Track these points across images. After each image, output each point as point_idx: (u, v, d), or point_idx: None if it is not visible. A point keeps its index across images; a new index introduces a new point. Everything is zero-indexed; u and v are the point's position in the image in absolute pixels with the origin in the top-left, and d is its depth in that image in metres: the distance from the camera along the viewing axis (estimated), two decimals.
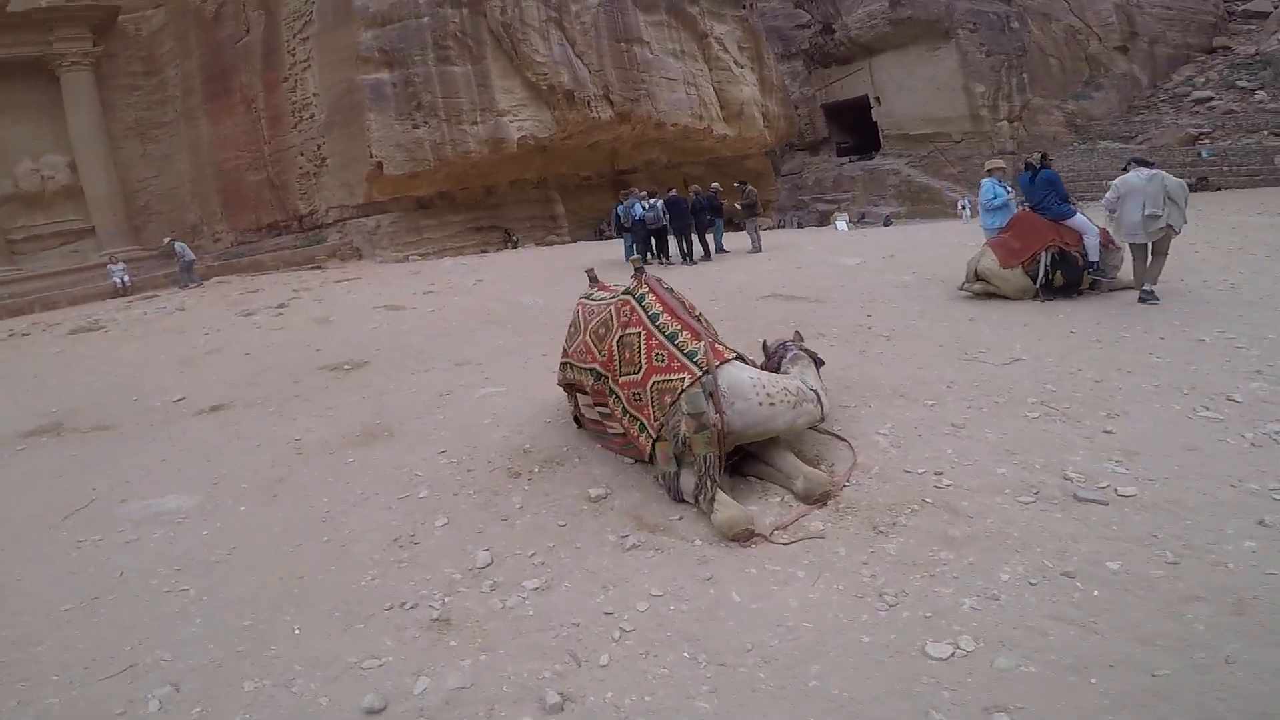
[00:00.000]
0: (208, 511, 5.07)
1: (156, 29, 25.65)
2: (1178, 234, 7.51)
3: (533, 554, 3.88)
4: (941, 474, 4.16)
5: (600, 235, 27.66)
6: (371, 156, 21.12)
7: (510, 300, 12.58)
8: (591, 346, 4.51)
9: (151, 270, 20.82)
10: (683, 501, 4.02)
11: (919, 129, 37.07)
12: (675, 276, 13.37)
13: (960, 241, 15.80)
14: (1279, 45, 41.13)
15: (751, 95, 30.43)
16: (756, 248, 16.24)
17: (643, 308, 4.37)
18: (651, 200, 15.05)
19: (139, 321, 14.66)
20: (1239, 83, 42.25)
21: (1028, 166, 8.65)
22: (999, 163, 9.81)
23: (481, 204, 25.28)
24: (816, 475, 3.99)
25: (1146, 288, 7.58)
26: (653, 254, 15.43)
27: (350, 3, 20.97)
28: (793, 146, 41.20)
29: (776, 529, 3.74)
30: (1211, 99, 41.99)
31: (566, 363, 4.94)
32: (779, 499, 4.07)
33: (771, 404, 3.97)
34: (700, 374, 3.92)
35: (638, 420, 4.17)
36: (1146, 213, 7.32)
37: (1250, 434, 4.35)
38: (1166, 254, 7.66)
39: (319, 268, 20.63)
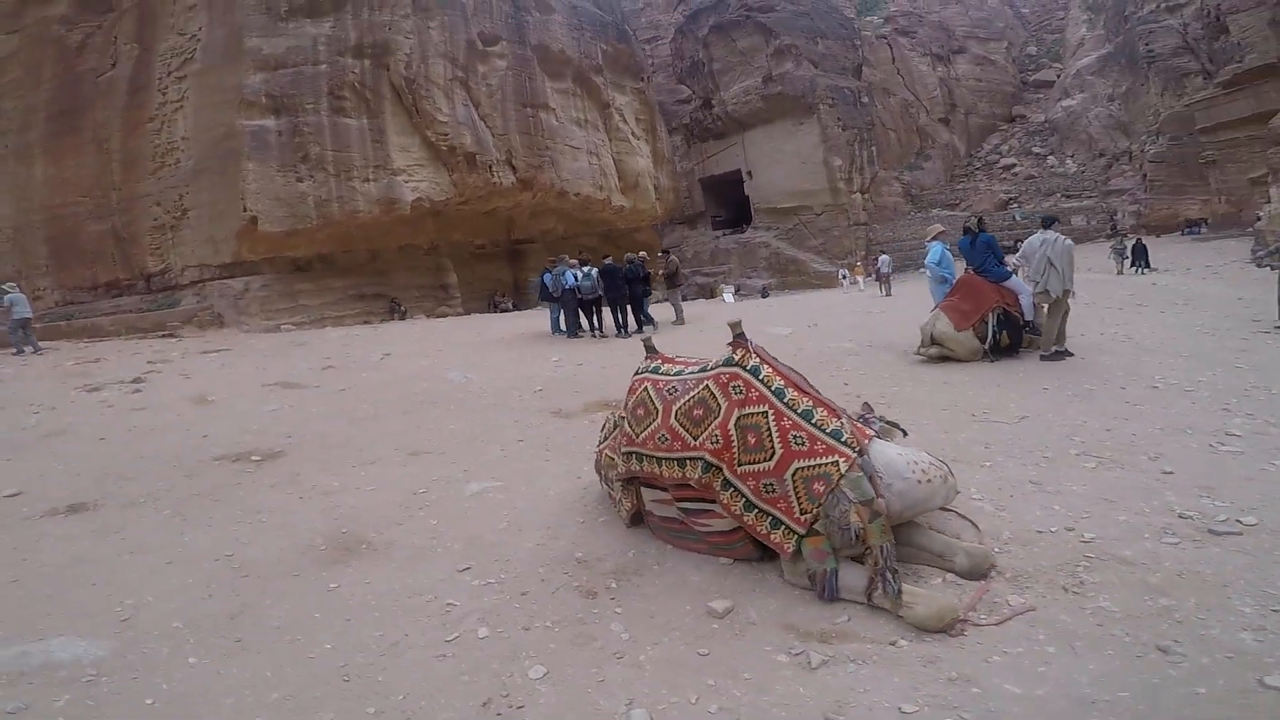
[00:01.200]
0: (131, 664, 3.34)
1: (4, 55, 21.94)
2: (1057, 298, 7.84)
3: (696, 699, 2.97)
4: (1073, 529, 4.02)
5: (494, 307, 26.33)
6: (245, 210, 18.77)
7: (437, 377, 10.98)
8: (683, 431, 3.70)
9: None
10: (837, 601, 3.49)
11: (785, 202, 39.40)
12: (614, 350, 12.47)
13: (864, 309, 16.56)
14: (1062, 112, 47.74)
15: (646, 167, 31.02)
16: (680, 319, 15.76)
17: (762, 382, 3.67)
18: (584, 268, 14.19)
19: None
20: (1034, 149, 49.27)
21: (966, 230, 8.96)
22: (940, 227, 10.17)
23: (366, 269, 23.24)
24: (978, 549, 3.67)
25: (1044, 351, 8.01)
26: (585, 326, 14.46)
27: (241, 43, 19.10)
28: (672, 220, 42.43)
29: (968, 610, 3.37)
30: (1015, 165, 48.70)
31: (634, 452, 3.99)
32: (937, 580, 3.65)
33: (929, 481, 3.59)
34: (855, 455, 3.47)
35: (768, 515, 3.54)
36: (1031, 278, 7.91)
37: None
38: (1060, 315, 7.99)
39: (172, 336, 17.64)
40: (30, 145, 21.41)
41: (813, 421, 3.54)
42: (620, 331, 14.20)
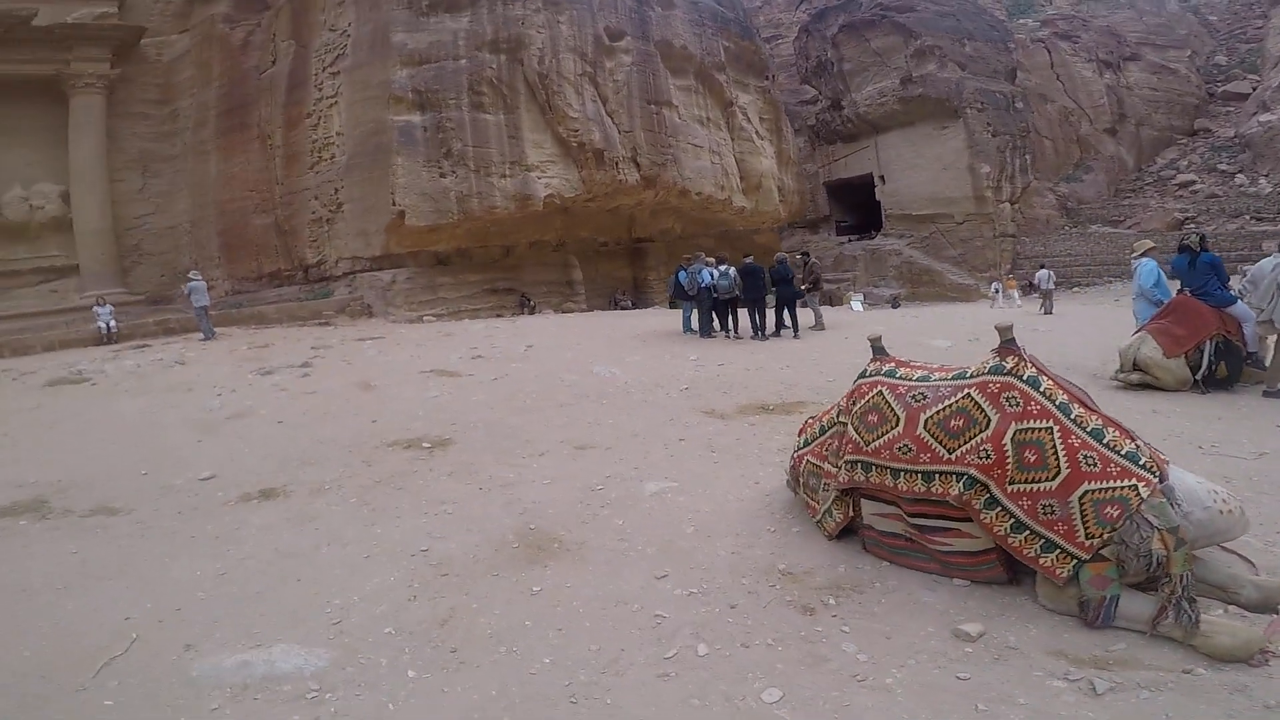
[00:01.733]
0: (352, 678, 3.30)
1: (178, 55, 23.93)
2: None
3: None
4: None
5: (615, 304, 26.47)
6: (394, 204, 19.71)
7: (582, 370, 11.00)
8: (934, 443, 3.45)
9: (138, 316, 18.70)
10: (1109, 629, 3.27)
11: (922, 209, 37.07)
12: (754, 353, 12.07)
13: (1026, 325, 15.16)
14: (1259, 128, 41.67)
15: (770, 168, 30.18)
16: (820, 324, 15.10)
17: (1043, 395, 3.37)
18: (722, 267, 13.84)
19: (132, 375, 12.64)
20: (1220, 166, 43.12)
21: (1184, 249, 8.11)
22: (1150, 243, 9.13)
23: (499, 265, 23.94)
24: (1270, 582, 3.38)
25: (1269, 388, 7.18)
26: (721, 326, 14.12)
27: (388, 38, 19.93)
28: (794, 224, 41.25)
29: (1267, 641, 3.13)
30: (1194, 182, 42.90)
31: (861, 461, 3.73)
32: (1218, 611, 3.37)
33: (1230, 512, 3.36)
34: (1156, 481, 3.24)
35: (1041, 538, 3.27)
36: (1256, 305, 7.21)
37: None
38: None
39: (326, 324, 18.83)
40: (204, 142, 23.34)
41: (1104, 442, 3.26)
42: (757, 334, 13.75)
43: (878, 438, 3.64)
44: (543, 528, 4.90)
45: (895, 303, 31.26)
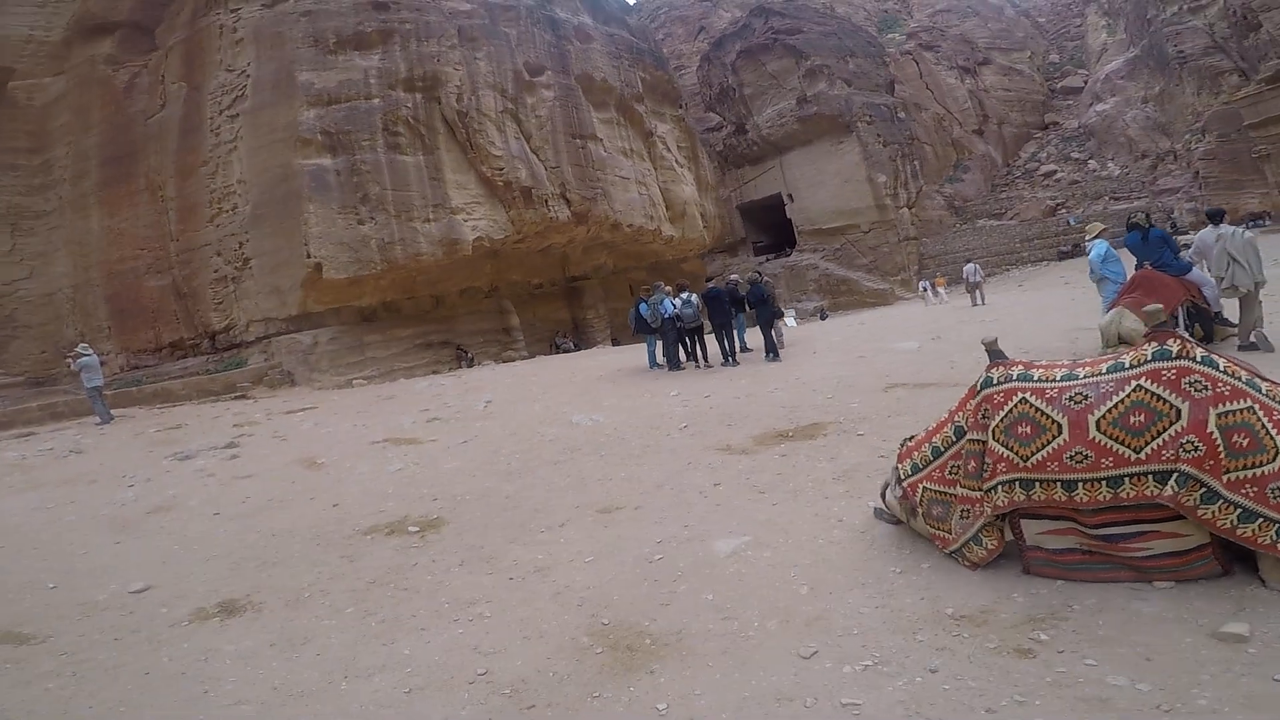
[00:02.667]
0: None
1: (52, 99, 21.21)
2: (1246, 291, 7.64)
3: None
4: None
5: (556, 348, 25.46)
6: (309, 256, 18.08)
7: (560, 420, 9.98)
8: (1115, 445, 3.05)
9: (19, 400, 16.13)
10: None
11: (830, 222, 38.38)
12: (735, 380, 11.42)
13: (970, 319, 15.70)
14: (1097, 117, 46.66)
15: (692, 195, 30.23)
16: (780, 344, 14.65)
17: (1226, 374, 3.08)
18: (684, 294, 13.19)
19: (16, 468, 10.61)
20: (1073, 155, 47.88)
21: (1134, 227, 8.54)
22: (1101, 225, 9.51)
23: (430, 316, 22.51)
24: None
25: (1241, 341, 7.70)
26: (689, 356, 13.41)
27: (294, 77, 18.47)
28: (712, 250, 41.65)
29: None
30: (1056, 172, 47.22)
31: (1021, 479, 3.28)
32: None
33: None
34: None
35: (1276, 523, 2.95)
36: (1214, 274, 7.79)
37: None
38: (1254, 307, 7.70)
39: (244, 396, 16.88)
40: (84, 195, 20.67)
41: None
42: (727, 360, 13.11)
43: (1038, 450, 3.20)
44: (618, 620, 3.90)
45: (822, 314, 31.66)
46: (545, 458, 8.05)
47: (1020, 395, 3.29)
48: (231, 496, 8.04)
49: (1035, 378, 3.35)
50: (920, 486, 3.79)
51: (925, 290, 26.77)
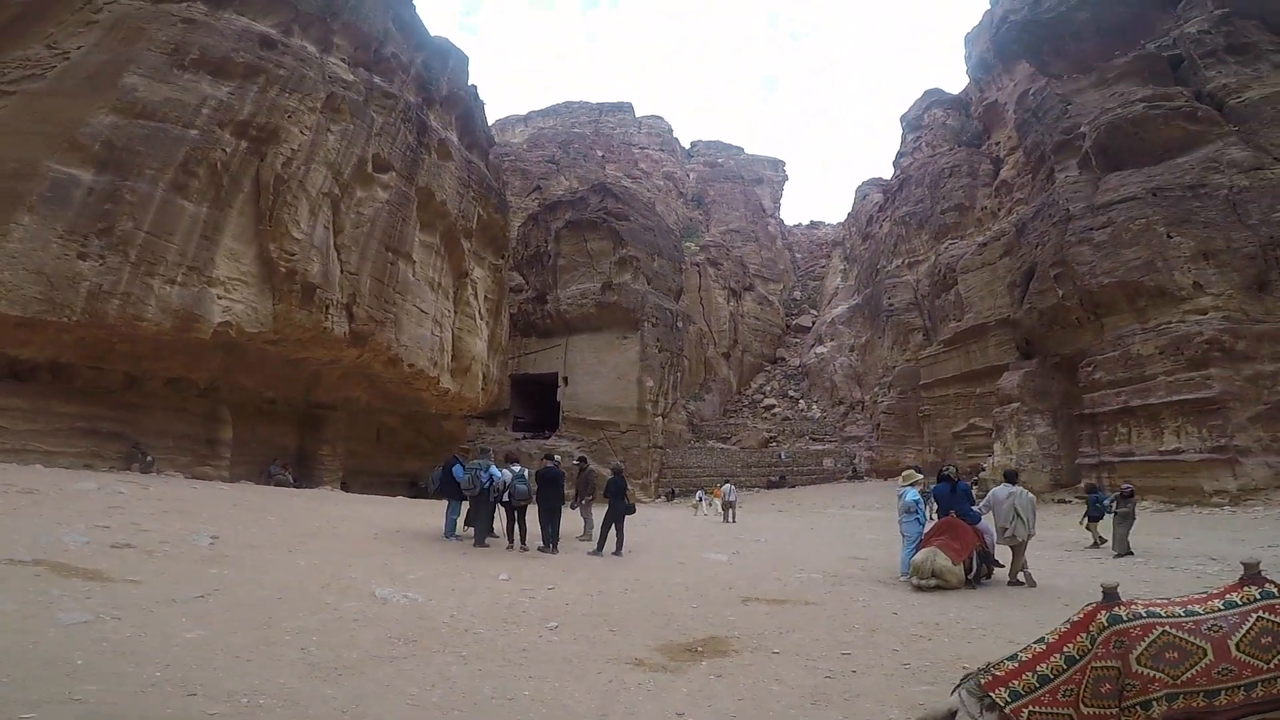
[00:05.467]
0: None
1: None
2: (1022, 541, 9.48)
3: None
4: None
5: (270, 478, 20.33)
6: None
7: (360, 592, 6.90)
8: (1250, 659, 3.65)
9: None
10: None
11: (596, 415, 37.40)
12: (571, 570, 9.40)
13: (747, 536, 16.24)
14: (814, 358, 51.54)
15: (481, 352, 28.21)
16: (588, 534, 13.00)
17: None
18: (515, 468, 11.11)
19: None
20: (790, 392, 52.30)
21: (943, 479, 10.09)
22: (918, 475, 10.60)
23: (111, 398, 16.72)
24: None
25: (1010, 579, 9.46)
26: (508, 534, 11.02)
27: (117, 76, 14.62)
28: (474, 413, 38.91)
29: None
30: (774, 406, 51.23)
31: (1166, 694, 3.66)
32: None
33: None
34: None
35: None
36: (999, 525, 9.51)
37: None
38: (1023, 552, 9.54)
39: None
40: None
41: None
42: (548, 546, 10.93)
43: (1187, 670, 3.83)
44: None
45: (572, 505, 29.92)
46: (367, 648, 5.11)
47: (1160, 629, 3.84)
48: None
49: (1163, 615, 3.91)
50: (1025, 710, 4.03)
51: (700, 500, 26.53)
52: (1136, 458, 20.00)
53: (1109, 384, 21.20)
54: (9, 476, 10.52)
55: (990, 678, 4.14)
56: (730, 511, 22.24)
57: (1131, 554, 12.05)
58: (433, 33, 25.50)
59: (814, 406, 50.27)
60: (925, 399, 35.05)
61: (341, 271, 19.64)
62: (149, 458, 16.65)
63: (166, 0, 16.43)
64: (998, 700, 3.98)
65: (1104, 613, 4.02)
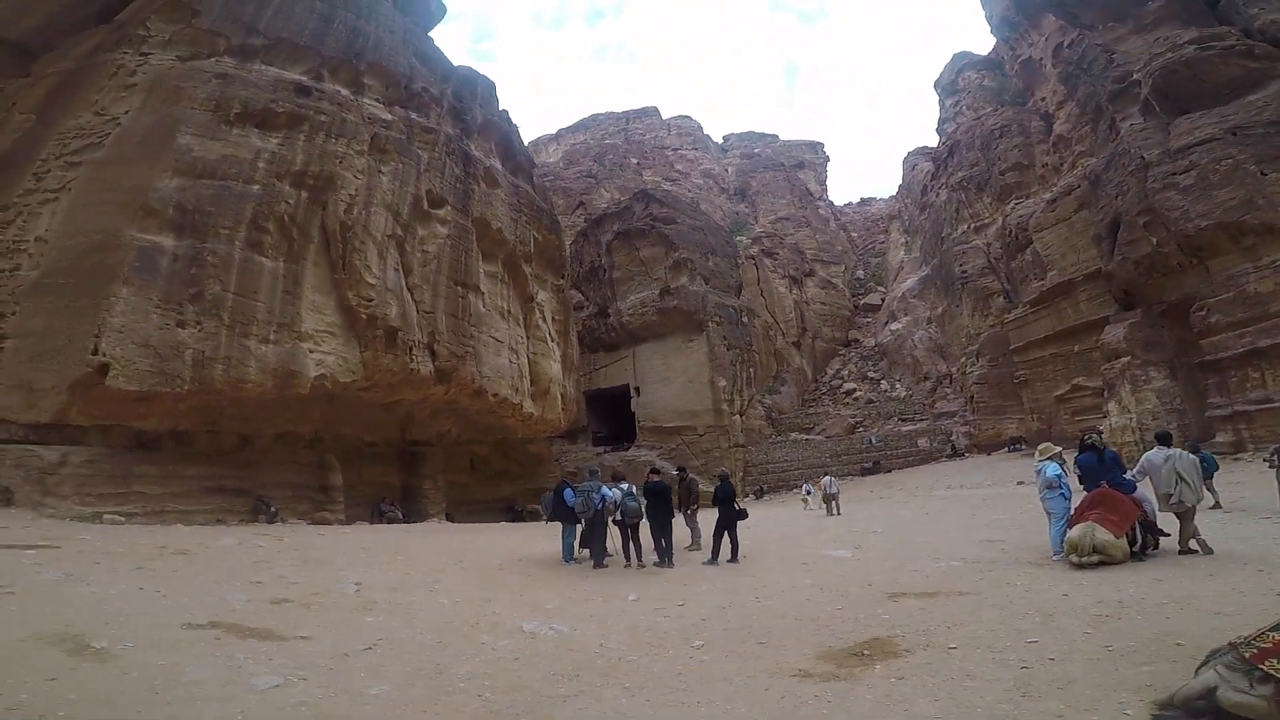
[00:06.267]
0: None
1: None
2: (1190, 507, 8.71)
3: None
4: None
5: (380, 515, 21.13)
6: (95, 353, 13.48)
7: (504, 628, 7.01)
8: None
9: None
10: None
11: (671, 421, 37.09)
12: (691, 584, 9.31)
13: (868, 529, 15.34)
14: (890, 336, 48.68)
15: (557, 373, 28.57)
16: (697, 544, 12.90)
17: None
18: (624, 486, 11.19)
19: None
20: (869, 374, 49.37)
21: (1088, 448, 9.41)
22: (1054, 447, 10.16)
23: (229, 458, 17.68)
24: None
25: (1181, 547, 8.70)
26: (624, 553, 11.07)
27: (172, 137, 15.29)
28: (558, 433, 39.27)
29: None
30: (855, 390, 48.32)
31: None
32: None
33: None
34: None
35: None
36: (1162, 492, 8.77)
37: None
38: (1192, 519, 8.78)
39: None
40: None
41: None
42: (663, 560, 10.91)
43: None
44: None
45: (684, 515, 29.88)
46: (537, 689, 5.15)
47: None
48: None
49: None
50: None
51: (808, 494, 25.55)
52: (1277, 402, 18.57)
53: (1229, 326, 19.85)
54: (160, 538, 11.22)
55: (1255, 651, 4.00)
56: (833, 503, 21.74)
57: None
58: (454, 63, 25.99)
59: (898, 385, 47.84)
60: (1020, 364, 33.25)
61: (418, 311, 20.25)
62: (273, 508, 17.56)
63: (195, 58, 17.20)
64: (1271, 672, 3.80)
65: None
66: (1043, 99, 37.27)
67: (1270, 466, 12.19)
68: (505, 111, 28.64)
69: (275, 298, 16.73)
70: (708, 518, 12.35)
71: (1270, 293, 18.98)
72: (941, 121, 47.23)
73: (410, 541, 13.13)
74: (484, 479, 28.38)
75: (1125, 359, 23.29)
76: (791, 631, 6.60)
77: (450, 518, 23.01)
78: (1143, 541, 8.73)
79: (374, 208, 18.67)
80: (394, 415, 22.52)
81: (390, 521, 20.49)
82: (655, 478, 11.87)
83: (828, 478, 23.26)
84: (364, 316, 18.59)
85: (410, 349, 19.90)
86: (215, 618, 6.66)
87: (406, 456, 23.84)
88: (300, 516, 17.98)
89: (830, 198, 70.39)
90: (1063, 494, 9.25)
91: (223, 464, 17.28)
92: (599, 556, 10.77)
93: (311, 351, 17.62)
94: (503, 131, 27.60)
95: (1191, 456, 9.05)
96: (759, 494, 35.77)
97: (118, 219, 14.46)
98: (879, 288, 57.55)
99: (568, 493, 11.26)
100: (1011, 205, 35.38)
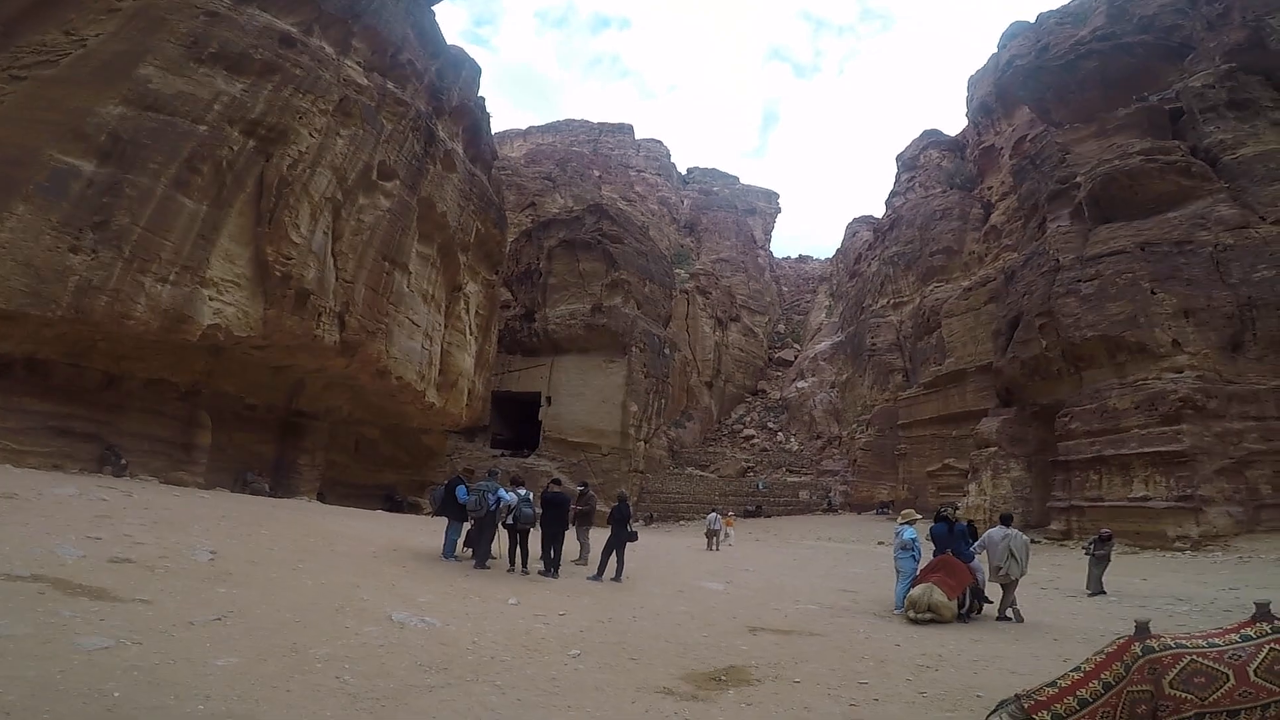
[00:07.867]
0: None
1: None
2: (1014, 580, 9.91)
3: None
4: None
5: (244, 485, 19.71)
6: None
7: (373, 615, 6.70)
8: (1266, 684, 4.18)
9: None
10: None
11: (577, 436, 36.88)
12: (575, 596, 9.31)
13: (740, 566, 15.93)
14: (796, 393, 51.22)
15: (468, 367, 27.84)
16: (584, 559, 12.75)
17: None
18: (521, 491, 10.98)
19: None
20: (769, 424, 51.61)
21: (942, 519, 10.57)
22: (915, 514, 11.34)
23: (87, 398, 16.09)
24: None
25: (999, 614, 9.95)
26: (510, 558, 10.83)
27: (132, 67, 14.20)
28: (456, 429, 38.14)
29: None
30: (754, 437, 50.46)
31: (1195, 714, 4.13)
32: None
33: None
34: None
35: None
36: (994, 564, 9.90)
37: None
38: (1013, 590, 9.97)
39: None
40: None
41: None
42: (549, 570, 10.74)
43: (1213, 693, 4.22)
44: None
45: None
46: (402, 677, 4.95)
47: (1189, 657, 4.29)
48: None
49: (1189, 645, 4.35)
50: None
51: (715, 524, 24.45)
52: (1106, 503, 20.44)
53: (1084, 434, 21.63)
54: None
55: (1033, 702, 4.55)
56: (715, 540, 22.10)
57: (1105, 594, 12.50)
58: (448, 41, 25.48)
59: (792, 439, 50.19)
60: (902, 438, 35.46)
61: (337, 279, 19.30)
62: (122, 461, 16.04)
63: None
64: None
65: (1138, 644, 4.51)
66: (990, 187, 39.15)
67: (1086, 554, 13.67)
68: (482, 98, 28.13)
69: (188, 239, 15.53)
70: (599, 535, 12.30)
71: (1125, 409, 20.65)
72: (892, 194, 48.88)
73: (279, 516, 12.32)
74: (367, 463, 27.15)
75: (993, 449, 25.30)
76: (661, 652, 6.77)
77: (322, 498, 21.78)
78: (969, 605, 9.89)
79: (320, 168, 17.78)
80: (284, 380, 21.21)
81: (254, 493, 19.10)
82: (555, 489, 11.72)
83: (713, 514, 23.62)
84: (278, 274, 17.52)
85: (319, 315, 18.87)
86: (40, 571, 6.04)
87: (287, 426, 22.45)
88: (153, 474, 16.48)
89: (772, 249, 72.81)
90: (913, 555, 10.23)
91: (79, 403, 15.71)
92: (482, 557, 10.49)
93: (211, 299, 16.39)
94: (474, 118, 27.04)
95: (1024, 537, 10.20)
96: (649, 520, 35.97)
97: (42, 138, 13.27)
98: (795, 344, 60.37)
99: (461, 489, 10.94)
100: (932, 287, 37.38)
